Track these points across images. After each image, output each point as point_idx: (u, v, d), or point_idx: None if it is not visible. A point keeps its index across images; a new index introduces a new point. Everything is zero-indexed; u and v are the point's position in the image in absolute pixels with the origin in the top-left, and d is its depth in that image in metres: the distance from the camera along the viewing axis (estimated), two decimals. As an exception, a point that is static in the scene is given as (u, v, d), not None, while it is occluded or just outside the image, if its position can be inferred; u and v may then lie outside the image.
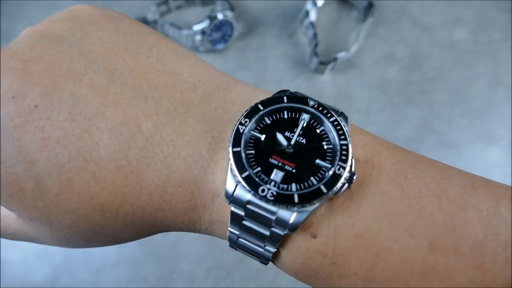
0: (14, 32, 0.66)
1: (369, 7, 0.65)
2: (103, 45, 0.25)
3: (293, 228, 0.22)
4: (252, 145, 0.24)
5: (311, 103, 0.24)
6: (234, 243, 0.25)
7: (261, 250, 0.24)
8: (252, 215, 0.23)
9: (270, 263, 0.25)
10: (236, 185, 0.22)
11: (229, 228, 0.24)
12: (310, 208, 0.22)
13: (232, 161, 0.23)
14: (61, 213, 0.24)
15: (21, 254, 0.57)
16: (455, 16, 0.67)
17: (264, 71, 0.64)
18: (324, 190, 0.22)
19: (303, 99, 0.25)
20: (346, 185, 0.22)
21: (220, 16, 0.61)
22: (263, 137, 0.24)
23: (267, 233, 0.23)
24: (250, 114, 0.24)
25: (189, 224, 0.25)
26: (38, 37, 0.25)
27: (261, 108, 0.24)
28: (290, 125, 0.24)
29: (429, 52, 0.65)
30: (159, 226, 0.26)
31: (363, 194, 0.22)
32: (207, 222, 0.25)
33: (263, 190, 0.22)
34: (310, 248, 0.22)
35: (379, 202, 0.22)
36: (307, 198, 0.22)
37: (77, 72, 0.24)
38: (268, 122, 0.24)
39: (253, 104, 0.24)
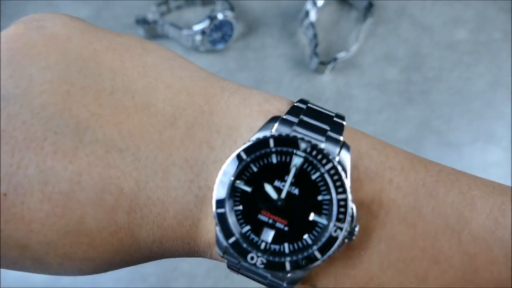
0: (14, 32, 0.66)
1: (369, 7, 0.65)
2: (56, 91, 0.21)
3: (290, 286, 0.21)
4: (238, 199, 0.21)
5: (303, 146, 0.21)
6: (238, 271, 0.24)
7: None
8: (246, 272, 0.22)
9: None
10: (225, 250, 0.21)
11: (229, 269, 0.23)
12: (305, 272, 0.20)
13: (217, 226, 0.21)
14: (69, 273, 0.24)
15: (21, 254, 0.57)
16: (455, 16, 0.67)
17: (264, 71, 0.64)
18: (319, 256, 0.20)
19: (293, 142, 0.21)
20: (347, 240, 0.20)
21: (220, 16, 0.61)
22: (250, 189, 0.21)
23: (267, 282, 0.22)
24: (232, 165, 0.21)
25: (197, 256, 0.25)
26: None
27: (244, 157, 0.21)
28: (280, 171, 0.21)
29: (429, 52, 0.65)
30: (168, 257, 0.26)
31: (366, 242, 0.20)
32: (211, 258, 0.24)
33: (252, 258, 0.20)
34: None
35: (385, 249, 0.20)
36: (299, 265, 0.20)
37: (36, 140, 0.20)
38: (255, 169, 0.21)
39: (235, 154, 0.21)
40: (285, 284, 0.21)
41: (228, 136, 0.22)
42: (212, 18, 0.61)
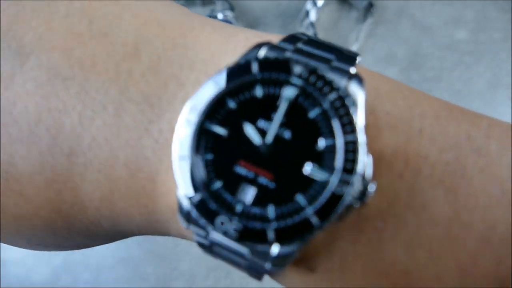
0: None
1: (369, 7, 0.65)
2: (3, 10, 0.19)
3: (274, 273, 0.15)
4: (211, 145, 0.16)
5: (297, 70, 0.15)
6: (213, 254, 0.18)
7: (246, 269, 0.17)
8: (220, 250, 0.16)
9: None
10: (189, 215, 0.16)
11: (202, 250, 0.17)
12: (295, 245, 0.14)
13: (177, 176, 0.15)
14: (7, 238, 0.20)
15: (21, 254, 0.57)
16: (455, 16, 0.67)
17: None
18: (316, 222, 0.14)
19: (284, 66, 0.15)
20: (357, 204, 0.14)
21: (220, 16, 0.61)
22: (225, 132, 0.16)
23: (246, 264, 0.16)
24: (203, 96, 0.16)
25: (160, 233, 0.20)
26: None
27: (219, 86, 0.16)
28: (266, 109, 0.16)
29: (429, 52, 0.65)
30: (128, 235, 0.21)
31: (387, 210, 0.14)
32: (177, 233, 0.19)
33: (222, 223, 0.15)
34: (308, 285, 0.16)
35: (414, 221, 0.14)
36: (287, 235, 0.14)
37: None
38: (233, 106, 0.16)
39: (207, 83, 0.16)
40: (269, 266, 0.15)
41: (204, 72, 0.17)
42: (212, 18, 0.61)
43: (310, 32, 0.63)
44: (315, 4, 0.64)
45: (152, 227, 0.19)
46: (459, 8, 0.68)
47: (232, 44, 0.18)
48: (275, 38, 0.18)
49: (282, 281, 0.17)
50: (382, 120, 0.15)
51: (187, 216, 0.16)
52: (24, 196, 0.18)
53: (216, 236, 0.15)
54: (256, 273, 0.16)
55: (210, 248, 0.17)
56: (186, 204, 0.16)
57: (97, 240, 0.21)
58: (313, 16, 0.64)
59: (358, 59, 0.16)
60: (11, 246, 0.61)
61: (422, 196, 0.14)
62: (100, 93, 0.17)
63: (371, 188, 0.14)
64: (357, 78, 0.15)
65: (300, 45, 0.17)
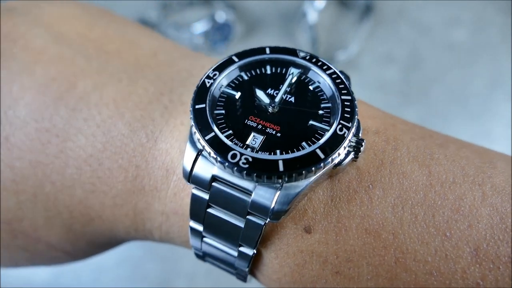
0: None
1: (368, 8, 0.65)
2: (54, 15, 0.21)
3: (278, 213, 0.15)
4: (222, 103, 0.18)
5: (302, 54, 0.19)
6: (200, 250, 0.19)
7: (234, 255, 0.18)
8: (220, 198, 0.16)
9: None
10: (198, 155, 0.16)
11: (190, 223, 0.17)
12: (301, 183, 0.15)
13: (192, 120, 0.17)
14: None
15: (22, 253, 0.57)
16: (454, 17, 0.67)
17: (264, 71, 0.64)
18: (321, 155, 0.16)
19: (291, 50, 0.19)
20: (352, 155, 0.16)
21: (220, 17, 0.61)
22: (237, 94, 0.18)
23: (241, 224, 0.16)
24: (221, 66, 0.18)
25: (135, 219, 0.19)
26: None
27: (236, 59, 0.19)
28: (274, 82, 0.19)
29: (428, 52, 0.65)
30: (95, 222, 0.20)
31: (375, 174, 0.16)
32: (159, 214, 0.18)
33: (233, 156, 0.16)
34: (302, 249, 0.16)
35: (398, 185, 0.16)
36: (296, 165, 0.15)
37: (15, 35, 0.20)
38: (246, 78, 0.19)
39: (225, 58, 0.19)
40: (270, 216, 0.15)
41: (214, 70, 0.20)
42: (212, 19, 0.61)
43: (309, 33, 0.63)
44: (314, 5, 0.65)
45: (130, 205, 0.18)
46: (458, 8, 0.68)
47: None
48: None
49: (275, 248, 0.17)
50: (364, 112, 0.19)
51: (189, 173, 0.16)
52: (9, 142, 0.18)
53: (222, 174, 0.16)
54: (253, 233, 0.16)
55: (203, 209, 0.17)
56: (190, 158, 0.16)
57: (54, 226, 0.20)
58: (312, 17, 0.64)
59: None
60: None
61: (402, 167, 0.17)
62: (119, 71, 0.19)
63: (363, 144, 0.16)
64: (344, 74, 0.19)
65: None
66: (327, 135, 0.17)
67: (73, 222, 0.19)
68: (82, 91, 0.19)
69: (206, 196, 0.16)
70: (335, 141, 0.16)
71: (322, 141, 0.16)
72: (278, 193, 0.15)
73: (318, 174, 0.16)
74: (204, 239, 0.18)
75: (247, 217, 0.16)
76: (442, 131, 0.67)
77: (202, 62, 0.21)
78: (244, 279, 0.19)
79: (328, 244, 0.16)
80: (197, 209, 0.17)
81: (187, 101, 0.18)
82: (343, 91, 0.19)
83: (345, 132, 0.17)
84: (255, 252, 0.17)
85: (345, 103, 0.18)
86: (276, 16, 0.68)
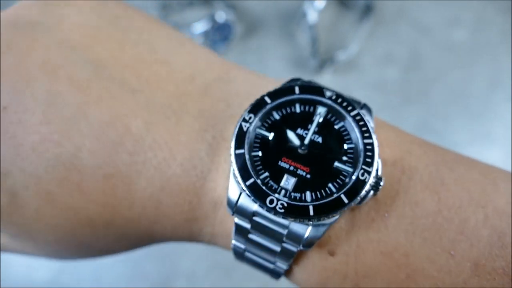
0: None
1: (368, 8, 0.65)
2: (83, 32, 0.21)
3: (309, 244, 0.19)
4: (258, 145, 0.20)
5: (328, 94, 0.21)
6: (241, 256, 0.22)
7: (271, 266, 0.21)
8: (260, 228, 0.19)
9: None
10: (241, 193, 0.19)
11: (233, 241, 0.21)
12: (328, 221, 0.19)
13: (234, 165, 0.19)
14: (43, 229, 0.21)
15: (23, 253, 0.57)
16: (454, 16, 0.67)
17: (264, 72, 0.64)
18: (345, 200, 0.18)
19: (318, 90, 0.21)
20: (372, 192, 0.19)
21: (220, 17, 0.61)
22: (271, 135, 0.20)
23: (278, 248, 0.20)
24: (255, 108, 0.20)
25: (190, 236, 0.22)
26: (6, 25, 0.21)
27: (268, 101, 0.20)
28: (303, 121, 0.20)
29: (428, 52, 0.65)
30: (157, 238, 0.23)
31: (391, 205, 0.19)
32: (209, 234, 0.22)
33: (271, 201, 0.19)
34: (327, 267, 0.19)
35: (410, 214, 0.19)
36: (324, 210, 0.18)
37: (53, 64, 0.20)
38: (277, 117, 0.20)
39: (259, 96, 0.20)
40: (300, 247, 0.19)
41: (247, 99, 0.21)
42: (212, 19, 0.61)
43: (310, 33, 0.63)
44: (314, 5, 0.65)
45: (187, 228, 0.21)
46: (458, 9, 0.68)
47: (265, 81, 0.23)
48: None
49: (305, 265, 0.20)
50: (383, 140, 0.20)
51: (235, 207, 0.19)
52: (80, 188, 0.20)
53: (261, 211, 0.19)
54: (288, 256, 0.20)
55: (242, 254, 0.21)
56: (235, 195, 0.19)
57: (123, 242, 0.23)
58: (312, 17, 0.64)
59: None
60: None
61: (415, 196, 0.19)
62: (164, 106, 0.21)
63: (382, 182, 0.18)
64: (367, 107, 0.21)
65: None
66: (351, 181, 0.19)
67: (139, 239, 0.23)
68: (136, 133, 0.20)
69: (247, 225, 0.19)
70: (358, 186, 0.19)
71: (346, 187, 0.19)
72: (309, 228, 0.19)
73: (342, 213, 0.19)
74: (246, 253, 0.21)
75: (282, 244, 0.19)
76: (443, 131, 0.67)
77: (234, 86, 0.22)
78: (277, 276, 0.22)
79: (348, 264, 0.19)
80: (240, 233, 0.20)
81: (227, 137, 0.20)
82: (365, 134, 0.20)
83: (366, 177, 0.19)
84: (288, 267, 0.20)
85: (367, 147, 0.19)
86: (276, 16, 0.68)
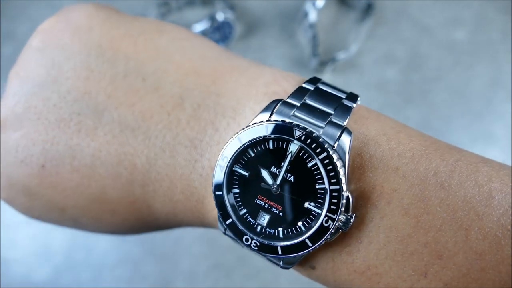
0: (15, 33, 0.66)
1: (369, 8, 0.65)
2: (78, 77, 0.24)
3: (287, 264, 0.21)
4: (237, 182, 0.21)
5: (297, 133, 0.20)
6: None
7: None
8: (248, 248, 0.22)
9: None
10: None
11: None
12: (299, 255, 0.20)
13: (216, 207, 0.22)
14: (106, 232, 0.27)
15: (22, 253, 0.57)
16: (454, 16, 0.67)
17: (264, 71, 0.64)
18: (310, 244, 0.20)
19: (288, 129, 0.20)
20: (341, 230, 0.20)
21: (220, 17, 0.61)
22: (247, 174, 0.21)
23: (266, 259, 0.22)
24: (230, 149, 0.21)
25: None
26: (20, 88, 0.24)
27: (242, 142, 0.21)
28: (276, 158, 0.21)
29: (429, 52, 0.65)
30: (188, 226, 0.27)
31: (364, 230, 0.19)
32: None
33: (247, 240, 0.21)
34: (310, 275, 0.22)
35: (384, 239, 0.19)
36: (291, 251, 0.20)
37: (64, 120, 0.23)
38: (252, 155, 0.21)
39: (233, 138, 0.21)
40: (281, 264, 0.21)
41: (233, 118, 0.23)
42: (212, 19, 0.61)
43: (310, 33, 0.63)
44: (315, 4, 0.65)
45: (204, 226, 0.25)
46: (458, 8, 0.68)
47: (254, 89, 0.23)
48: (289, 84, 0.23)
49: (295, 270, 0.22)
50: (367, 161, 0.20)
51: (225, 229, 0.22)
52: (116, 212, 0.25)
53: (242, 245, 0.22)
54: (277, 266, 0.22)
55: (242, 246, 0.22)
56: (222, 227, 0.22)
57: (168, 229, 0.28)
58: (313, 16, 0.64)
59: (356, 104, 0.21)
60: (12, 246, 0.61)
61: (390, 221, 0.19)
62: (159, 139, 0.23)
63: (352, 219, 0.19)
64: (348, 131, 0.20)
65: (306, 99, 0.21)
66: (316, 226, 0.20)
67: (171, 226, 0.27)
68: (142, 169, 0.23)
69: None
70: (321, 232, 0.19)
71: (310, 232, 0.20)
72: (281, 262, 0.21)
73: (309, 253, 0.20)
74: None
75: (268, 259, 0.22)
76: (443, 131, 0.67)
77: (221, 103, 0.23)
78: None
79: (327, 276, 0.21)
80: (237, 242, 0.23)
81: (214, 166, 0.22)
82: (332, 180, 0.19)
83: (330, 224, 0.19)
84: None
85: (333, 193, 0.19)
86: (276, 15, 0.68)
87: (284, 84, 0.23)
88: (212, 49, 0.26)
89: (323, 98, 0.22)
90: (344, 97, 0.22)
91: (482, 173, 0.19)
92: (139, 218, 0.25)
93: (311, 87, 0.22)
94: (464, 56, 0.65)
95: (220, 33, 0.63)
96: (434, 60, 0.65)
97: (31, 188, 0.24)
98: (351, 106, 0.21)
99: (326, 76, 0.64)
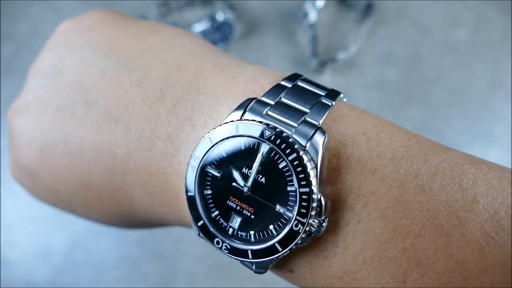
0: (15, 33, 0.66)
1: (369, 8, 0.65)
2: (76, 70, 0.26)
3: (260, 267, 0.21)
4: (209, 183, 0.21)
5: (267, 133, 0.19)
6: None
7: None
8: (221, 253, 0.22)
9: None
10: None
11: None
12: (270, 259, 0.20)
13: (189, 208, 0.21)
14: (95, 220, 0.28)
15: (22, 253, 0.57)
16: (454, 16, 0.67)
17: (264, 71, 0.64)
18: (279, 248, 0.19)
19: (258, 130, 0.19)
20: (313, 234, 0.19)
21: (220, 16, 0.61)
22: (219, 174, 0.21)
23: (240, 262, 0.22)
24: (201, 149, 0.20)
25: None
26: (33, 80, 0.27)
27: (214, 142, 0.20)
28: (248, 159, 0.20)
29: (428, 52, 0.65)
30: (169, 224, 0.27)
31: (340, 234, 0.19)
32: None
33: (218, 242, 0.20)
34: (290, 278, 0.21)
35: (360, 244, 0.18)
36: (261, 255, 0.20)
37: (61, 109, 0.25)
38: (224, 155, 0.20)
39: (204, 139, 0.21)
40: (254, 268, 0.21)
41: (210, 116, 0.23)
42: (212, 18, 0.61)
43: (310, 33, 0.63)
44: (315, 4, 0.65)
45: (183, 224, 0.25)
46: (458, 8, 0.68)
47: (233, 87, 0.23)
48: (268, 82, 0.23)
49: (275, 273, 0.22)
50: (344, 162, 0.19)
51: (197, 230, 0.21)
52: (101, 199, 0.26)
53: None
54: (251, 270, 0.22)
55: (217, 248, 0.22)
56: (195, 228, 0.21)
57: (151, 226, 0.28)
58: (313, 17, 0.64)
59: (335, 102, 0.21)
60: (12, 246, 0.61)
61: (367, 225, 0.18)
62: (139, 131, 0.24)
63: (324, 224, 0.18)
64: (321, 130, 0.19)
65: (282, 97, 0.21)
66: (285, 230, 0.19)
67: (152, 223, 0.28)
68: (122, 159, 0.24)
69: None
70: (291, 237, 0.19)
71: (280, 236, 0.19)
72: (254, 266, 0.21)
73: (279, 258, 0.20)
74: None
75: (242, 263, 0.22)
76: (443, 131, 0.67)
77: (200, 99, 0.23)
78: None
79: (306, 279, 0.20)
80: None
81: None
82: (302, 182, 0.18)
83: (300, 228, 0.19)
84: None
85: (303, 196, 0.18)
86: (276, 15, 0.68)
87: (263, 82, 0.23)
88: (199, 47, 0.26)
89: (300, 96, 0.21)
90: (324, 94, 0.21)
91: (467, 175, 0.17)
92: (122, 209, 0.26)
93: (289, 85, 0.21)
94: (464, 56, 0.65)
95: (220, 33, 0.63)
96: (434, 60, 0.65)
97: (32, 170, 0.26)
98: (329, 104, 0.20)
99: (326, 76, 0.64)
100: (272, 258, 0.19)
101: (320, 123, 0.20)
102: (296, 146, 0.19)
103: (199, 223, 0.21)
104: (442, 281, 0.17)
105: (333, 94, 0.21)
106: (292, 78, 0.22)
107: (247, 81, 0.23)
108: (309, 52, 0.64)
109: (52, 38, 0.28)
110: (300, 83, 0.22)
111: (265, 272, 0.21)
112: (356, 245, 0.18)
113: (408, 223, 0.17)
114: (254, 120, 0.20)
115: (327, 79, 0.64)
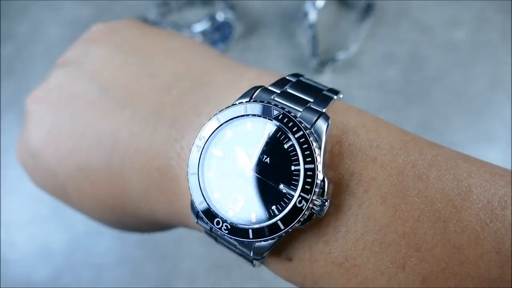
0: (15, 33, 0.66)
1: (369, 8, 0.65)
2: (98, 62, 0.28)
3: (258, 253, 0.20)
4: (213, 163, 0.21)
5: (275, 112, 0.20)
6: (215, 239, 0.24)
7: (241, 253, 0.23)
8: (218, 237, 0.22)
9: None
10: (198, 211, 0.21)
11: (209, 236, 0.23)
12: (271, 241, 0.20)
13: (190, 189, 0.21)
14: (86, 210, 0.29)
15: (22, 253, 0.57)
16: (454, 17, 0.67)
17: (264, 71, 0.64)
18: (282, 226, 0.19)
19: (266, 108, 0.20)
20: (315, 215, 0.19)
21: (220, 16, 0.61)
22: (223, 155, 0.21)
23: (237, 251, 0.21)
24: (208, 130, 0.21)
25: (184, 225, 0.26)
26: (56, 68, 0.29)
27: (220, 121, 0.21)
28: (253, 139, 0.20)
29: (429, 52, 0.65)
30: (161, 222, 0.27)
31: (341, 219, 0.19)
32: (194, 226, 0.24)
33: (218, 222, 0.20)
34: (287, 269, 0.21)
35: (361, 228, 0.19)
36: (262, 234, 0.19)
37: (77, 93, 0.27)
38: (229, 136, 0.21)
39: (213, 115, 0.21)
40: (252, 254, 0.21)
41: (215, 107, 0.23)
42: (212, 18, 0.61)
43: (310, 33, 0.63)
44: (315, 4, 0.65)
45: (177, 219, 0.25)
46: (458, 9, 0.68)
47: (239, 83, 0.24)
48: (272, 79, 0.23)
49: (271, 268, 0.22)
50: (346, 149, 0.20)
51: (197, 214, 0.21)
52: (95, 183, 0.26)
53: (215, 230, 0.21)
54: (246, 259, 0.22)
55: (215, 237, 0.22)
56: (195, 206, 0.21)
57: (142, 224, 0.28)
58: (313, 17, 0.64)
59: (336, 97, 0.21)
60: (12, 246, 0.61)
61: (368, 209, 0.19)
62: (144, 117, 0.25)
63: (327, 203, 0.19)
64: (325, 116, 0.20)
65: (287, 88, 0.22)
66: (288, 207, 0.19)
67: (146, 221, 0.28)
68: (123, 143, 0.25)
69: (210, 233, 0.22)
70: (294, 213, 0.19)
71: (283, 213, 0.19)
72: (252, 252, 0.20)
73: (282, 237, 0.20)
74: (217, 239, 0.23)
75: (239, 250, 0.22)
76: (443, 131, 0.67)
77: (206, 92, 0.24)
78: None
79: (305, 268, 0.20)
80: (210, 236, 0.23)
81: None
82: (307, 159, 0.19)
83: (303, 205, 0.19)
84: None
85: (308, 172, 0.19)
86: (276, 15, 0.68)
87: (268, 79, 0.24)
88: (209, 52, 0.29)
89: (304, 89, 0.22)
90: (326, 89, 0.22)
91: (461, 168, 0.18)
92: (115, 195, 0.26)
93: (293, 79, 0.22)
94: (464, 56, 0.65)
95: (220, 33, 0.63)
96: (434, 60, 0.65)
97: (37, 150, 0.27)
98: (332, 96, 0.21)
99: (326, 76, 0.64)
100: (273, 237, 0.19)
101: (324, 111, 0.20)
102: (302, 125, 0.19)
103: (200, 204, 0.21)
104: (441, 266, 0.17)
105: (334, 90, 0.22)
106: (295, 75, 0.23)
107: (252, 78, 0.24)
108: (309, 52, 0.64)
109: (82, 36, 0.31)
110: (303, 79, 0.23)
111: (261, 259, 0.21)
112: (357, 229, 0.19)
113: (407, 208, 0.18)
114: (262, 101, 0.20)
115: (327, 79, 0.64)
